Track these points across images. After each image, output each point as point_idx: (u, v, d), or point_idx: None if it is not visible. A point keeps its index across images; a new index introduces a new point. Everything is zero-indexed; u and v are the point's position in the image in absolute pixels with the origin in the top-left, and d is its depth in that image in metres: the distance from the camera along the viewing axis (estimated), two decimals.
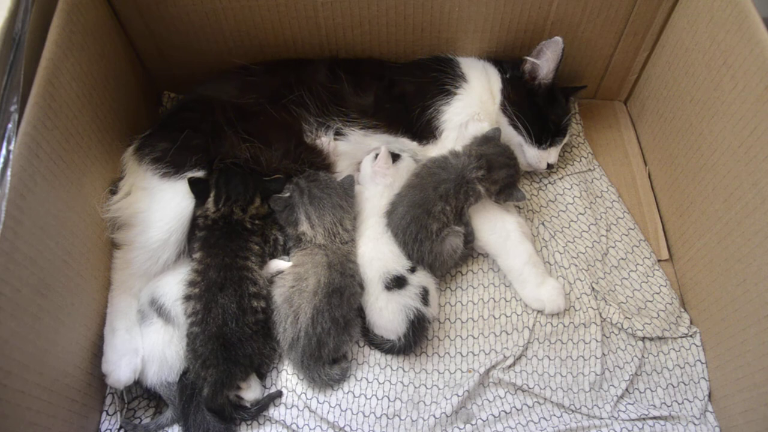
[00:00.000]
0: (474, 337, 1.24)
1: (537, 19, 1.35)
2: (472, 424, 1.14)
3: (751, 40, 1.02)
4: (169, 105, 1.51)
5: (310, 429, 1.14)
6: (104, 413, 1.14)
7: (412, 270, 1.21)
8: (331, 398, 1.16)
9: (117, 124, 1.25)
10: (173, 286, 1.16)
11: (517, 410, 1.17)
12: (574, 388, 1.19)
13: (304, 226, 1.19)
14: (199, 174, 1.20)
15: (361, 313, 1.20)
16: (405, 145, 1.34)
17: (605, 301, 1.28)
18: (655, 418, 1.16)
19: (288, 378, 1.18)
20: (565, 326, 1.25)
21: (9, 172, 0.84)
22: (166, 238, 1.16)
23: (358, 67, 1.37)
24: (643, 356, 1.23)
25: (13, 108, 0.88)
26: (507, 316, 1.26)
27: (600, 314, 1.26)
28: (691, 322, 1.27)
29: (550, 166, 1.38)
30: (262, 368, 1.17)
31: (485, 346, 1.23)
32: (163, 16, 1.28)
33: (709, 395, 1.19)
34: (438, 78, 1.34)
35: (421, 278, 1.21)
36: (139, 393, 1.17)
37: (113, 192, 1.20)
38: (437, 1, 1.30)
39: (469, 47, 1.42)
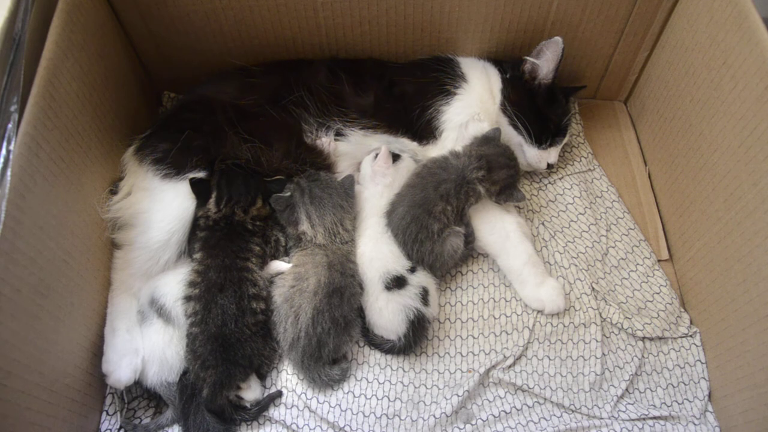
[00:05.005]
0: (474, 337, 1.24)
1: (537, 19, 1.35)
2: (472, 424, 1.14)
3: (751, 40, 1.02)
4: (169, 105, 1.51)
5: (310, 429, 1.14)
6: (104, 413, 1.14)
7: (412, 270, 1.21)
8: (331, 398, 1.16)
9: (117, 124, 1.25)
10: (173, 286, 1.16)
11: (517, 410, 1.17)
12: (574, 388, 1.19)
13: (305, 226, 1.19)
14: (200, 175, 1.19)
15: (361, 313, 1.20)
16: (405, 145, 1.34)
17: (605, 301, 1.28)
18: (655, 418, 1.16)
19: (288, 378, 1.18)
20: (565, 326, 1.25)
21: (9, 172, 0.84)
22: (167, 238, 1.16)
23: (358, 67, 1.37)
24: (643, 356, 1.23)
25: (13, 108, 0.88)
26: (507, 316, 1.26)
27: (600, 314, 1.26)
28: (691, 322, 1.27)
29: (550, 166, 1.38)
30: (262, 369, 1.17)
31: (485, 346, 1.23)
32: (163, 17, 1.28)
33: (709, 395, 1.19)
34: (438, 78, 1.34)
35: (421, 278, 1.21)
36: (139, 393, 1.17)
37: (113, 192, 1.20)
38: (437, 1, 1.30)
39: (469, 47, 1.42)
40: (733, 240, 1.11)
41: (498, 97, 1.37)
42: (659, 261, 1.36)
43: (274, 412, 1.15)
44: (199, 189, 1.18)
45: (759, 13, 1.03)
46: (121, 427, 1.13)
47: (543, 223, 1.38)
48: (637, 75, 1.51)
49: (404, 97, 1.35)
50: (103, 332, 1.14)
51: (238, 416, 1.12)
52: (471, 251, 1.30)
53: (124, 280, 1.18)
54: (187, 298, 1.13)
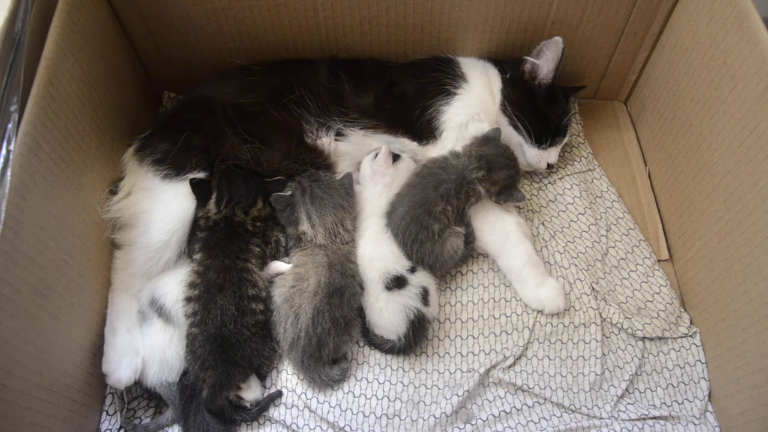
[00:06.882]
0: (474, 337, 1.24)
1: (537, 19, 1.35)
2: (472, 424, 1.14)
3: (751, 40, 1.02)
4: (169, 105, 1.51)
5: (310, 429, 1.14)
6: (104, 413, 1.14)
7: (412, 270, 1.21)
8: (331, 398, 1.16)
9: (117, 124, 1.25)
10: (173, 286, 1.16)
11: (517, 410, 1.17)
12: (574, 388, 1.19)
13: (305, 226, 1.19)
14: (200, 175, 1.19)
15: (361, 313, 1.20)
16: (405, 145, 1.34)
17: (605, 301, 1.28)
18: (655, 418, 1.16)
19: (288, 378, 1.18)
20: (565, 326, 1.25)
21: (9, 172, 0.84)
22: (168, 239, 1.16)
23: (358, 67, 1.37)
24: (643, 356, 1.23)
25: (13, 108, 0.88)
26: (507, 316, 1.26)
27: (600, 314, 1.26)
28: (691, 322, 1.27)
29: (550, 166, 1.38)
30: (261, 369, 1.17)
31: (485, 346, 1.23)
32: (163, 16, 1.28)
33: (709, 395, 1.19)
34: (438, 78, 1.34)
35: (421, 278, 1.21)
36: (139, 393, 1.17)
37: (113, 192, 1.20)
38: (437, 1, 1.30)
39: (469, 47, 1.42)
40: (733, 240, 1.11)
41: (498, 97, 1.37)
42: (659, 261, 1.36)
43: (274, 412, 1.15)
44: (200, 190, 1.18)
45: (759, 13, 1.03)
46: (121, 427, 1.13)
47: (543, 223, 1.38)
48: (637, 75, 1.51)
49: (404, 97, 1.35)
50: (103, 332, 1.14)
51: (238, 416, 1.12)
52: (471, 251, 1.30)
53: (125, 280, 1.18)
54: (187, 299, 1.12)
